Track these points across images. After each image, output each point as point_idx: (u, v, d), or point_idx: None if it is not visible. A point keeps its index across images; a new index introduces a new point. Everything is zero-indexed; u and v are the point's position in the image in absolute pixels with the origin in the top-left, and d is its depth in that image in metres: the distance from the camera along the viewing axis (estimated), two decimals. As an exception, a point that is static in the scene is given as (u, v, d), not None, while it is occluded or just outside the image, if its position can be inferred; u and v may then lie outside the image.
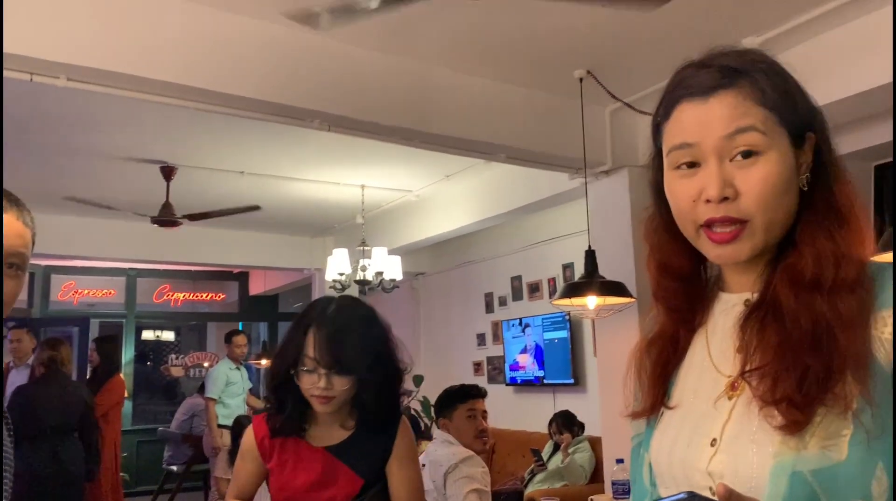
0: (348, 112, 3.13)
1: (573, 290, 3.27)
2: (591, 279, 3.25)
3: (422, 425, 5.64)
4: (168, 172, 4.68)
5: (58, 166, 4.71)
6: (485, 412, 3.09)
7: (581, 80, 3.47)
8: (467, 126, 3.49)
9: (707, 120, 0.84)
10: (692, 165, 0.86)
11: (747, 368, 0.85)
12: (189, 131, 4.17)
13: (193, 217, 4.84)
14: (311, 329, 1.58)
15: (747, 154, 0.83)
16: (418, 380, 6.64)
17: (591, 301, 3.23)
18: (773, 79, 0.86)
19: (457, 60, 3.37)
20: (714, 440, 0.85)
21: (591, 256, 3.31)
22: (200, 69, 2.83)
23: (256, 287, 9.43)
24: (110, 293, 8.92)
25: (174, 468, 7.54)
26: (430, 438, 5.41)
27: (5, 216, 1.10)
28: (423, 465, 2.93)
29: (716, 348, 0.92)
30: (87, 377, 6.29)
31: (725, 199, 0.82)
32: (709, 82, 0.85)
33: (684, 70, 0.89)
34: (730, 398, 0.86)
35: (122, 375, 6.25)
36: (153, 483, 7.83)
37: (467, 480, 2.76)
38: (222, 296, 9.95)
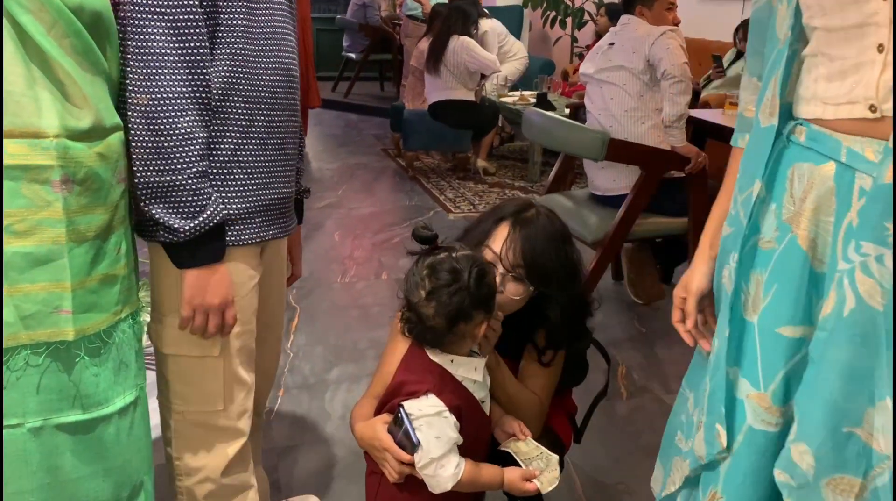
0: None
1: None
2: None
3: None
4: None
5: None
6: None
7: None
8: None
9: None
10: None
11: None
12: None
13: None
14: (505, 223, 1.43)
15: None
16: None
17: None
18: None
19: None
20: None
21: None
22: None
23: None
24: None
25: (353, 55, 7.97)
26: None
27: None
28: (612, 43, 2.93)
29: None
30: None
31: None
32: None
33: None
34: None
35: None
36: (334, 69, 8.41)
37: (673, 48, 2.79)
38: None
